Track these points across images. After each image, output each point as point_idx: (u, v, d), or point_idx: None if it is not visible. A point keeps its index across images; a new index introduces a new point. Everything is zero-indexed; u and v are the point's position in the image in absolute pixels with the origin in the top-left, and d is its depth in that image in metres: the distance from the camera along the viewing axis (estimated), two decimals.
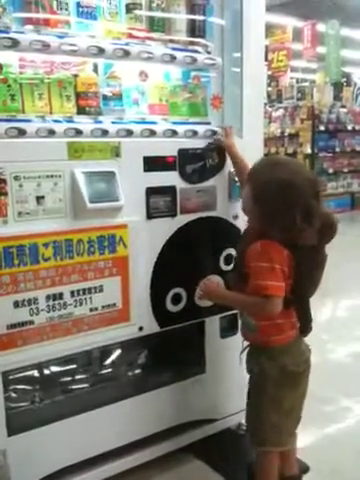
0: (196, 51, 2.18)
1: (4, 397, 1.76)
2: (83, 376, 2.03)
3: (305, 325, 1.88)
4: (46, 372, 1.79)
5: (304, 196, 1.66)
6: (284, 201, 1.65)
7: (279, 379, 1.79)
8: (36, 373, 1.79)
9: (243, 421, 2.48)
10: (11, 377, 1.79)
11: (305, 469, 2.24)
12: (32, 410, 1.86)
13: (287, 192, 1.65)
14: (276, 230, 1.68)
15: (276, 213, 1.67)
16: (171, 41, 2.12)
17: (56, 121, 1.85)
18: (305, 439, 2.48)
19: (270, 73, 10.77)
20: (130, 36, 2.01)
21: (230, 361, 2.33)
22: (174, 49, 2.11)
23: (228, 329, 2.33)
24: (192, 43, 2.18)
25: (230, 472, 2.25)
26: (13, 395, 1.81)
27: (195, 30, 2.19)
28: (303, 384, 1.87)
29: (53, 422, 1.87)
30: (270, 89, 10.35)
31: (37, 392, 1.86)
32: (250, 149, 2.24)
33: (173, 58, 2.08)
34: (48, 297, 1.80)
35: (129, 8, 2.00)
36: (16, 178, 1.70)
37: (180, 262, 2.12)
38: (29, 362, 1.78)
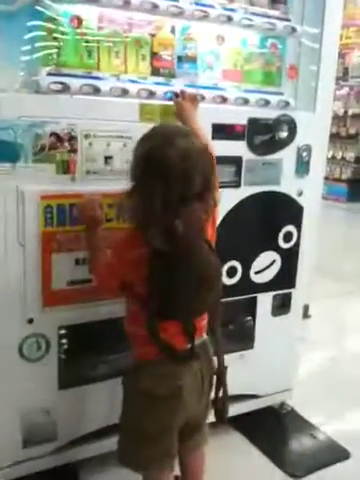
0: (276, 17, 2.10)
1: (58, 351, 1.80)
2: None
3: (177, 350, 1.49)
4: (100, 331, 1.81)
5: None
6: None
7: (134, 395, 1.56)
8: (91, 331, 1.81)
9: (286, 401, 2.49)
10: (67, 332, 1.82)
11: (345, 455, 2.22)
12: (83, 367, 1.89)
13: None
14: None
15: None
16: (251, 5, 2.05)
17: (131, 81, 1.82)
18: (347, 425, 2.47)
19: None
20: None
21: (279, 340, 2.31)
22: (253, 14, 2.04)
23: (280, 307, 2.30)
24: (272, 9, 2.11)
25: (268, 449, 2.26)
26: (67, 350, 1.84)
27: None
28: (163, 412, 1.51)
29: (102, 381, 1.90)
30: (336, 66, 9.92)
31: (90, 350, 1.89)
32: (320, 125, 2.16)
33: (252, 23, 2.01)
34: None
35: None
36: (86, 136, 1.68)
37: (239, 235, 2.08)
38: (86, 319, 1.80)
